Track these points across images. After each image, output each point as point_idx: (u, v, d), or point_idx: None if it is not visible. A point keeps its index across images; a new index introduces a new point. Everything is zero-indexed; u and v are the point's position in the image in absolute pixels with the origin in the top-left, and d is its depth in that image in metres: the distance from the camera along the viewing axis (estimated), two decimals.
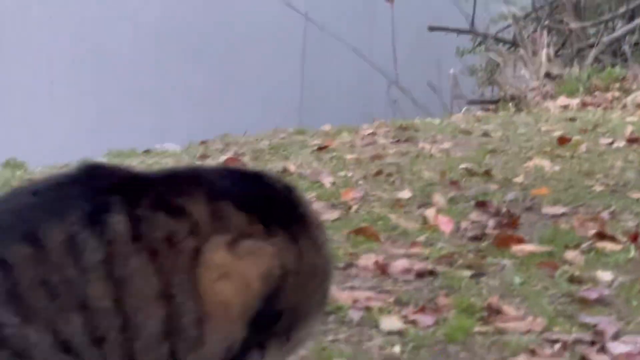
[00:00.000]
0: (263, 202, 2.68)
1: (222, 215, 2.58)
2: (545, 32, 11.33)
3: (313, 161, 6.58)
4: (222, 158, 6.69)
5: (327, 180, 5.91)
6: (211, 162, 6.52)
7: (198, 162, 6.67)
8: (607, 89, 9.70)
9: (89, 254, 2.43)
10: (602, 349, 3.72)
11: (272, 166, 6.34)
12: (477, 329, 3.83)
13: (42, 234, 2.44)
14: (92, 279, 2.43)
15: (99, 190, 2.55)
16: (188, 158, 6.96)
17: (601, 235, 4.99)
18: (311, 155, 6.82)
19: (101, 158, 7.16)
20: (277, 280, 2.60)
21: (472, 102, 10.75)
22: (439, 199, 5.51)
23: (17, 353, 2.40)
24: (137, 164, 6.67)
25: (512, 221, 5.15)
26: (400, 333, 3.74)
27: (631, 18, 11.89)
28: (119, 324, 2.44)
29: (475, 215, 5.29)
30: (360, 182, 5.92)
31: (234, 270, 2.53)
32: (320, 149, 7.01)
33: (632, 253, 4.76)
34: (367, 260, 4.46)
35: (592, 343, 3.78)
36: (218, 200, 2.61)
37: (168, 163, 6.62)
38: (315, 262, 2.73)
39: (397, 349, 3.62)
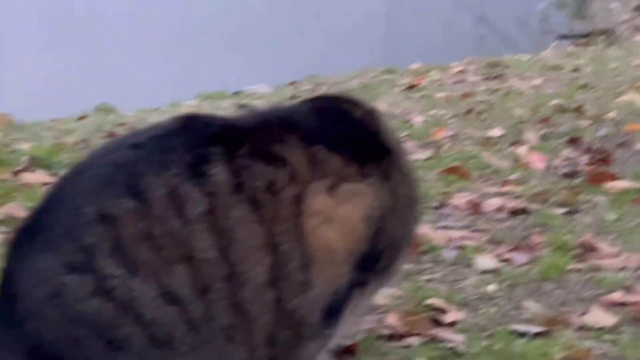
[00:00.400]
0: (353, 140, 2.72)
1: (318, 160, 2.62)
2: None
3: (403, 100, 6.58)
4: (313, 94, 6.71)
5: (417, 120, 5.92)
6: (300, 100, 6.54)
7: (287, 103, 6.69)
8: None
9: (191, 206, 2.49)
10: None
11: None
12: (571, 266, 3.83)
13: (144, 187, 2.50)
14: (195, 230, 2.48)
15: (198, 141, 2.60)
16: (278, 99, 6.98)
17: None
18: (401, 94, 6.81)
19: (191, 101, 7.24)
20: (378, 221, 2.66)
21: (561, 37, 10.69)
22: (530, 136, 5.49)
23: (122, 304, 2.47)
24: (227, 106, 6.71)
25: (605, 157, 5.11)
26: (494, 271, 3.76)
27: None
28: (225, 274, 2.49)
29: (567, 152, 5.24)
30: (451, 120, 5.91)
31: (336, 215, 2.58)
32: (410, 87, 7.02)
33: None
34: (460, 199, 4.47)
35: None
36: (312, 144, 2.65)
37: (259, 105, 6.66)
38: (407, 193, 2.79)
39: (492, 287, 3.63)
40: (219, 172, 2.53)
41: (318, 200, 2.59)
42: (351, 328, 2.92)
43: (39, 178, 4.63)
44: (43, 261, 2.55)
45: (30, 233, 2.63)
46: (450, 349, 3.15)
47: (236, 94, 7.61)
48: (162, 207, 2.50)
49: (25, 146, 5.21)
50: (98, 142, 5.33)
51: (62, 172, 4.67)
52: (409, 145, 5.32)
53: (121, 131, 5.54)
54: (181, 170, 2.53)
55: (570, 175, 4.91)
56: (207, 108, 6.44)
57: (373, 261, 2.70)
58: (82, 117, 6.40)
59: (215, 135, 2.64)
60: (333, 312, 2.66)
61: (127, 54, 11.27)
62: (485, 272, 3.77)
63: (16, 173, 4.69)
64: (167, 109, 6.55)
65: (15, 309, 2.58)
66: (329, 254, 2.59)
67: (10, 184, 4.52)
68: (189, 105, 6.66)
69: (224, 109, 6.40)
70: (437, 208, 4.42)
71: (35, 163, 4.86)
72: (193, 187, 2.51)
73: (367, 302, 2.82)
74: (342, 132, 2.75)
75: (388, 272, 2.81)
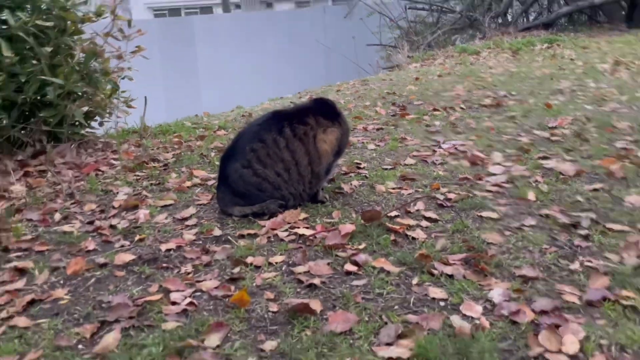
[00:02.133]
0: (330, 113, 2.81)
1: (319, 122, 2.73)
2: (405, 41, 11.14)
3: (335, 95, 6.49)
4: (306, 97, 6.59)
5: (342, 101, 5.85)
6: (304, 99, 6.43)
7: (299, 100, 6.57)
8: (428, 59, 9.45)
9: (281, 143, 2.61)
10: (440, 147, 3.72)
11: None
12: (399, 145, 3.81)
13: (264, 138, 2.60)
14: (283, 151, 2.60)
15: (279, 121, 2.65)
16: (294, 98, 6.87)
17: (435, 109, 4.86)
18: (336, 93, 6.71)
19: (266, 100, 7.11)
20: (340, 139, 2.74)
21: (384, 68, 10.55)
22: (379, 103, 5.43)
23: (262, 178, 2.57)
24: (278, 102, 6.62)
25: (404, 107, 5.07)
26: (374, 149, 3.74)
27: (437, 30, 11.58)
28: (294, 163, 2.63)
29: (391, 107, 5.15)
30: (352, 101, 5.83)
31: (327, 139, 2.69)
32: (337, 90, 6.92)
33: (445, 117, 4.70)
34: (360, 126, 4.42)
35: (436, 144, 3.77)
36: (317, 115, 2.74)
37: (288, 102, 6.56)
38: (348, 129, 2.87)
39: (374, 154, 3.62)
40: (287, 131, 2.63)
41: (320, 135, 2.68)
42: (331, 175, 2.95)
43: (222, 133, 4.60)
44: (234, 164, 2.65)
45: (229, 154, 2.70)
46: (364, 176, 3.15)
47: (281, 97, 7.48)
48: (270, 144, 2.61)
49: (216, 122, 5.16)
50: (239, 119, 5.30)
51: (230, 130, 4.62)
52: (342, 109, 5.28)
53: (247, 116, 5.48)
54: (275, 131, 2.63)
55: (394, 115, 4.86)
56: (273, 105, 6.32)
57: (339, 152, 2.77)
58: (232, 110, 6.32)
59: (284, 118, 2.69)
60: (328, 170, 2.75)
61: (231, 80, 10.91)
62: (371, 149, 3.74)
63: (214, 131, 4.67)
64: (258, 107, 6.42)
65: (227, 181, 2.65)
66: (325, 153, 2.69)
67: (212, 135, 4.50)
68: (266, 104, 6.54)
69: (279, 104, 6.30)
70: (353, 130, 4.36)
71: (220, 127, 4.83)
72: (279, 136, 2.63)
73: (336, 165, 2.87)
74: (326, 110, 2.81)
75: (342, 155, 2.87)
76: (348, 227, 2.35)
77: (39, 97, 3.91)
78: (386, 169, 3.29)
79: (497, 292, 1.84)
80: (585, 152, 3.39)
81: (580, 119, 4.21)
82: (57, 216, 2.82)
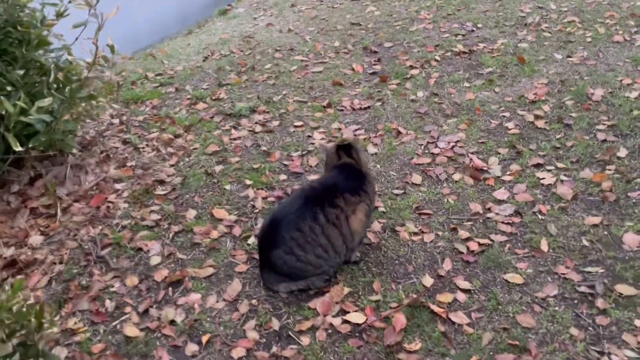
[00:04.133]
0: (359, 187, 2.81)
1: (348, 201, 2.77)
2: None
3: (294, 17, 6.01)
4: (261, 16, 6.15)
5: (307, 38, 5.50)
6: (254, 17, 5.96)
7: (253, 15, 6.14)
8: None
9: (317, 230, 2.67)
10: (436, 145, 3.71)
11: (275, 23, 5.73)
12: (396, 144, 3.74)
13: (300, 227, 2.65)
14: (319, 236, 2.68)
15: (312, 206, 2.66)
16: (245, 13, 6.47)
17: (412, 66, 4.67)
18: (292, 12, 6.25)
19: (215, 14, 6.66)
20: (368, 211, 2.80)
21: None
22: (350, 46, 5.06)
23: (305, 262, 2.68)
24: (228, 15, 6.19)
25: (378, 59, 4.77)
26: (375, 154, 3.66)
27: None
28: (331, 246, 2.71)
29: (365, 59, 4.84)
30: (319, 37, 5.38)
31: (357, 219, 2.76)
32: (292, 5, 6.46)
33: (425, 80, 4.50)
34: (346, 101, 4.26)
35: (432, 141, 3.75)
36: (345, 193, 2.75)
37: (240, 15, 6.14)
38: (373, 189, 2.87)
39: (378, 165, 3.58)
40: (321, 217, 2.68)
41: (351, 217, 2.75)
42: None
43: (203, 107, 4.38)
44: (276, 251, 2.74)
45: (267, 239, 2.74)
46: (382, 212, 3.10)
47: (231, 5, 6.99)
48: (308, 231, 2.66)
49: (179, 68, 4.87)
50: (207, 69, 4.93)
51: (209, 103, 4.33)
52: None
53: (209, 57, 5.08)
54: (310, 219, 2.66)
55: (373, 73, 4.63)
56: (232, 29, 5.83)
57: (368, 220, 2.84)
58: (188, 43, 5.89)
59: (316, 202, 2.69)
60: (360, 242, 2.84)
61: None
62: (373, 156, 3.64)
63: (193, 104, 4.43)
64: (215, 38, 5.92)
65: (270, 264, 2.72)
66: (357, 230, 2.79)
67: (195, 117, 4.26)
68: (220, 26, 6.03)
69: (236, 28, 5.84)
70: (341, 111, 4.23)
71: (197, 98, 4.59)
72: (315, 224, 2.68)
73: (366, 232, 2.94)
74: (353, 185, 2.80)
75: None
76: (400, 321, 2.53)
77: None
78: (397, 194, 3.34)
79: None
80: (573, 152, 3.56)
81: (555, 82, 4.29)
82: (108, 303, 2.85)
